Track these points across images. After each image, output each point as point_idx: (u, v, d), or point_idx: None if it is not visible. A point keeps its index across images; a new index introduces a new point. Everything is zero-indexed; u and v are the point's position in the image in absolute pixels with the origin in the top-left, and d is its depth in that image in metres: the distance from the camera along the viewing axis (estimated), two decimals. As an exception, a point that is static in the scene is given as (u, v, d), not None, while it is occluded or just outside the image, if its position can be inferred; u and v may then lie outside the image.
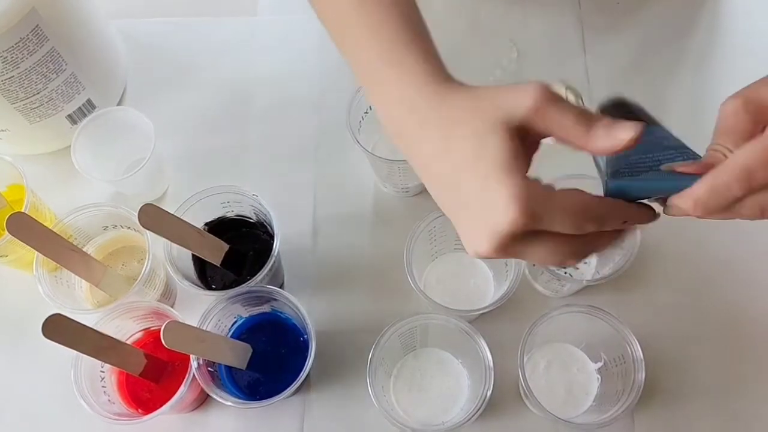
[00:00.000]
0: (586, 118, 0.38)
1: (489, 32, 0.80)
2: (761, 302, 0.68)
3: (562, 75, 0.78)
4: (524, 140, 0.39)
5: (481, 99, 0.40)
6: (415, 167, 0.44)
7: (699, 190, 0.38)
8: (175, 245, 0.60)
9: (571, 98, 0.45)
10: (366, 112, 0.68)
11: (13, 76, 0.63)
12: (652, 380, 0.62)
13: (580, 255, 0.40)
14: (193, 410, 0.65)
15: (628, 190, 0.40)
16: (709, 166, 0.38)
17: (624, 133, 0.37)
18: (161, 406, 0.57)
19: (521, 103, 0.38)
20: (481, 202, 0.38)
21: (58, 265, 0.60)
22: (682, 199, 0.38)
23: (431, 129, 0.42)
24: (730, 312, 0.68)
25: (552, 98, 0.38)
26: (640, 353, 0.58)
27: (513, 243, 0.38)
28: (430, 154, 0.42)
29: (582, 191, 0.39)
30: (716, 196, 0.37)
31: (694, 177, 0.38)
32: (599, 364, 0.64)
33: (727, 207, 0.38)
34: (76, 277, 0.63)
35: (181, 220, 0.59)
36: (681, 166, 0.39)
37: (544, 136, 0.40)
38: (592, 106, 0.69)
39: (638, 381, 0.57)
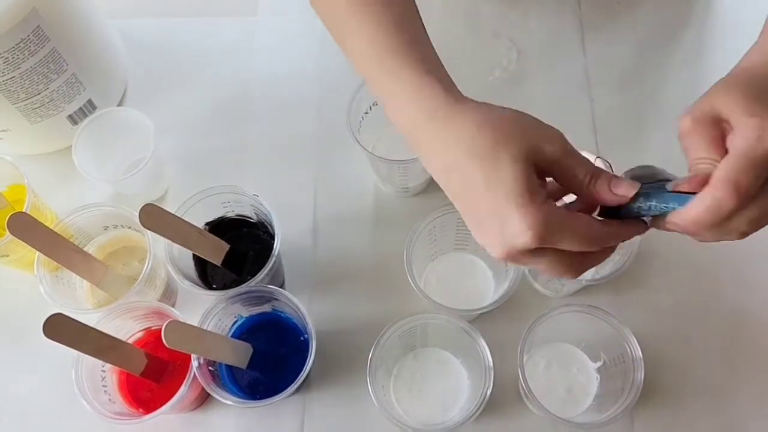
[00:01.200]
0: (595, 171, 0.42)
1: (489, 32, 0.80)
2: (761, 302, 0.68)
3: (562, 75, 0.78)
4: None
5: (509, 125, 0.42)
6: (431, 172, 0.46)
7: (696, 208, 0.40)
8: (175, 245, 0.60)
9: (600, 164, 0.47)
10: (366, 112, 0.68)
11: (14, 77, 0.63)
12: (652, 380, 0.62)
13: (580, 269, 0.44)
14: (193, 410, 0.66)
15: (635, 210, 0.43)
16: (703, 181, 0.40)
17: (623, 190, 0.42)
18: (162, 405, 0.57)
19: (553, 144, 0.42)
20: (500, 221, 0.41)
21: (59, 265, 0.60)
22: (681, 218, 0.41)
23: (442, 144, 0.44)
24: (729, 312, 0.68)
25: (573, 149, 0.43)
26: (639, 353, 0.58)
27: (523, 256, 0.42)
28: (446, 167, 0.44)
29: (590, 217, 0.43)
30: (712, 212, 0.40)
31: (689, 196, 0.41)
32: (599, 364, 0.64)
33: (721, 222, 0.40)
34: (77, 276, 0.64)
35: (182, 220, 0.59)
36: (680, 185, 0.42)
37: (550, 177, 0.43)
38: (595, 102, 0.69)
39: (637, 380, 0.58)
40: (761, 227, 0.41)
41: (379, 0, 0.48)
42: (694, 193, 0.40)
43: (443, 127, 0.44)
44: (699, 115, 0.42)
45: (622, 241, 0.44)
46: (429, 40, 0.49)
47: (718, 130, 0.42)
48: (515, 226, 0.40)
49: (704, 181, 0.40)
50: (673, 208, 0.41)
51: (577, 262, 0.43)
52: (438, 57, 0.48)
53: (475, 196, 0.42)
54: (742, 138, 0.40)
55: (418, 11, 0.50)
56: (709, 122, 0.42)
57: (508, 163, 0.41)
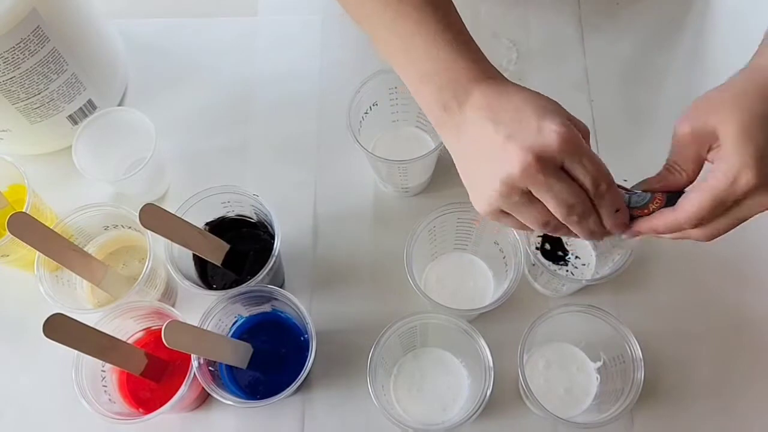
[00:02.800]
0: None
1: (489, 33, 0.80)
2: (760, 301, 0.68)
3: (562, 75, 0.78)
4: None
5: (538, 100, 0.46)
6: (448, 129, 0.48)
7: (659, 224, 0.47)
8: (175, 245, 0.60)
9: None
10: (366, 113, 0.68)
11: (14, 77, 0.63)
12: (651, 379, 0.62)
13: (560, 227, 0.47)
14: (193, 409, 0.66)
15: None
16: (669, 183, 0.48)
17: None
18: (162, 405, 0.57)
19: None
20: (541, 115, 0.44)
21: (59, 264, 0.60)
22: (644, 225, 0.48)
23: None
24: (728, 311, 0.68)
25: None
26: (639, 352, 0.58)
27: (537, 172, 0.43)
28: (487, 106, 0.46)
29: None
30: (671, 229, 0.47)
31: (652, 194, 0.48)
32: (598, 364, 0.64)
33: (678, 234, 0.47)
34: (77, 276, 0.64)
35: (182, 219, 0.59)
36: (648, 184, 0.49)
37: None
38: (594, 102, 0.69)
39: (637, 380, 0.58)
40: (716, 237, 0.47)
41: None
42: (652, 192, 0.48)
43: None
44: (696, 128, 0.45)
45: (617, 213, 0.47)
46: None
47: (706, 146, 0.46)
48: (555, 121, 0.43)
49: (665, 188, 0.48)
50: (640, 203, 0.48)
51: (563, 215, 0.45)
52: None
53: (520, 105, 0.45)
54: (716, 178, 0.44)
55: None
56: (702, 138, 0.45)
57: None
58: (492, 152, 0.45)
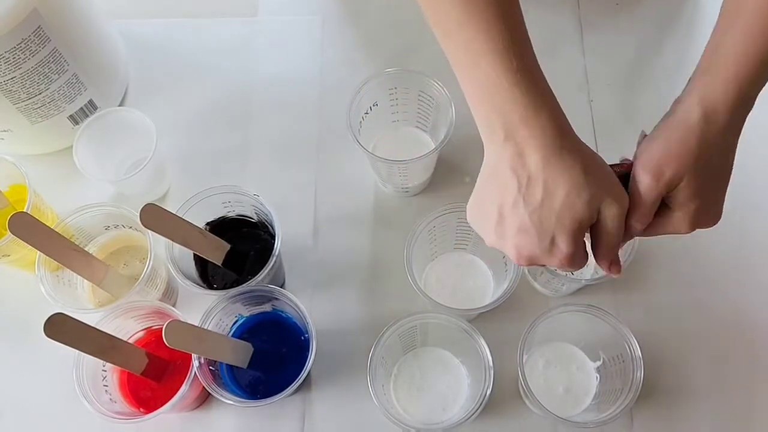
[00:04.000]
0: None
1: (489, 32, 0.80)
2: (760, 301, 0.68)
3: (562, 75, 0.78)
4: None
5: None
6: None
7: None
8: (176, 245, 0.60)
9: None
10: (366, 113, 0.68)
11: (15, 77, 0.63)
12: (651, 379, 0.63)
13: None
14: (194, 409, 0.66)
15: None
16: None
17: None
18: (163, 405, 0.57)
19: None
20: (607, 188, 0.46)
21: (60, 264, 0.60)
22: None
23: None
24: (728, 311, 0.68)
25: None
26: (638, 352, 0.58)
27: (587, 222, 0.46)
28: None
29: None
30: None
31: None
32: (598, 363, 0.64)
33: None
34: (78, 276, 0.64)
35: (183, 219, 0.59)
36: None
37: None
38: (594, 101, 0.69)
39: (637, 380, 0.58)
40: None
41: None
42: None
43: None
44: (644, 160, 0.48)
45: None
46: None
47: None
48: (616, 191, 0.46)
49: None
50: None
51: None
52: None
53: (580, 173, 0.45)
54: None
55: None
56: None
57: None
58: (503, 207, 0.46)
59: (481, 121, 0.46)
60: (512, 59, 0.44)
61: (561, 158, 0.44)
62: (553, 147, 0.44)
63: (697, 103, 0.46)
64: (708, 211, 0.48)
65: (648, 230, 0.49)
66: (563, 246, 0.46)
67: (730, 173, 0.48)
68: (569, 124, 0.46)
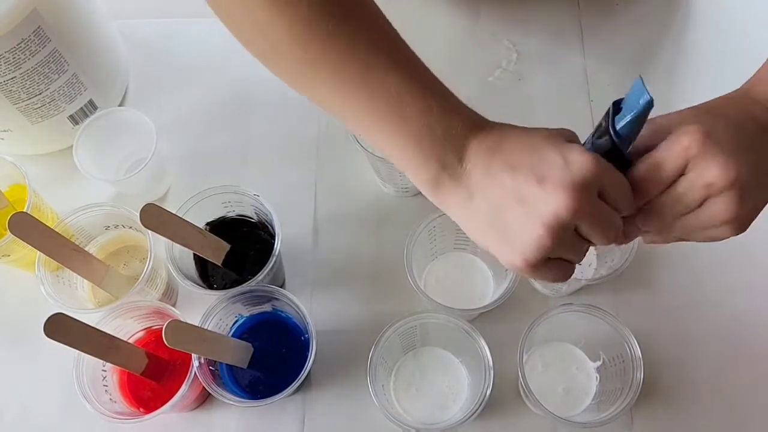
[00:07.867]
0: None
1: (488, 33, 0.80)
2: (759, 301, 0.68)
3: (562, 75, 0.78)
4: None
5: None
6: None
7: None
8: (176, 245, 0.60)
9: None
10: (366, 113, 0.68)
11: (15, 77, 0.63)
12: (651, 379, 0.63)
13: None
14: (194, 409, 0.66)
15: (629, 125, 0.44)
16: None
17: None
18: (163, 405, 0.57)
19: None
20: (564, 159, 0.42)
21: (60, 264, 0.61)
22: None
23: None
24: (728, 311, 0.68)
25: None
26: (638, 352, 0.58)
27: (582, 197, 0.41)
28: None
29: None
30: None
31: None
32: (598, 363, 0.64)
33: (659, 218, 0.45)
34: (78, 276, 0.64)
35: (183, 219, 0.59)
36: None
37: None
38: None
39: (637, 380, 0.58)
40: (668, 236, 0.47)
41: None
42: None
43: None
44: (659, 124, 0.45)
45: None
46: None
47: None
48: (574, 150, 0.42)
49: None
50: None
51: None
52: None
53: (539, 149, 0.43)
54: (659, 147, 0.44)
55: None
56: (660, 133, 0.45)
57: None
58: (522, 199, 0.42)
59: (422, 164, 0.45)
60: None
61: (503, 131, 0.44)
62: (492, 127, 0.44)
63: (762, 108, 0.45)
64: (749, 213, 0.45)
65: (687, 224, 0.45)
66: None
67: None
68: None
